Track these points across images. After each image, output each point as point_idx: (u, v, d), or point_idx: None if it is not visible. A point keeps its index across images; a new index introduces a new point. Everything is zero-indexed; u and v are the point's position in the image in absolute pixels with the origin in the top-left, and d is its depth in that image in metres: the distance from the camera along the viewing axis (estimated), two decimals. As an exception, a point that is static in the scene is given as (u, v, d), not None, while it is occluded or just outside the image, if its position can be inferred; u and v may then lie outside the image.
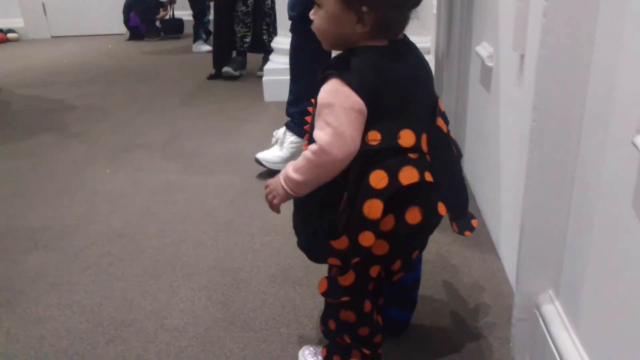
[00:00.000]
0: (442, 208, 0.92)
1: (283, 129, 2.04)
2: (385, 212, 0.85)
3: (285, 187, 0.89)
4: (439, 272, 1.39)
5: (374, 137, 0.85)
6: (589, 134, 0.83)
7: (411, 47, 0.94)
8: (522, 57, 1.25)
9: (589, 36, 0.80)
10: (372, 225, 0.86)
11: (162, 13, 5.21)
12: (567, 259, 0.91)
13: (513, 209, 1.30)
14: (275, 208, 0.95)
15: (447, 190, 0.95)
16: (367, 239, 0.86)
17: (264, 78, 2.96)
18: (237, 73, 3.51)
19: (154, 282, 1.40)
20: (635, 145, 0.60)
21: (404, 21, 0.89)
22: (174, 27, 5.26)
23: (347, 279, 0.94)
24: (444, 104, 2.21)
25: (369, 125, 0.86)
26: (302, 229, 0.96)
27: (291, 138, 2.00)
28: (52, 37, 5.60)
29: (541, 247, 0.95)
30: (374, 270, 0.94)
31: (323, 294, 0.98)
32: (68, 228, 1.70)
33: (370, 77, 0.85)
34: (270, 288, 1.36)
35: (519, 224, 0.97)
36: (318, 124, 0.86)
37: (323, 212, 0.91)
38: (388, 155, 0.86)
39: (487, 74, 1.60)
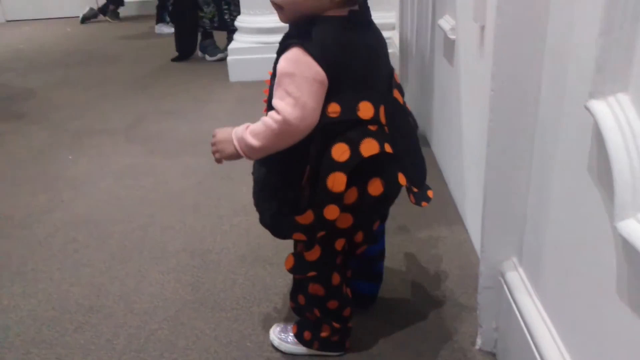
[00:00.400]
0: (402, 179, 0.93)
1: None
2: (348, 185, 0.86)
3: (238, 147, 0.88)
4: (407, 245, 1.40)
5: (334, 109, 0.85)
6: (546, 102, 0.84)
7: (367, 17, 0.93)
8: (482, 28, 1.26)
9: (544, 5, 0.81)
10: (337, 199, 0.86)
11: None
12: (529, 227, 0.93)
13: (478, 181, 1.32)
14: (219, 162, 0.93)
15: (406, 161, 0.95)
16: (331, 212, 0.87)
17: (229, 58, 2.91)
18: (224, 54, 3.40)
19: (121, 267, 1.38)
20: (588, 109, 0.61)
21: None
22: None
23: (313, 254, 0.95)
24: (411, 79, 2.23)
25: (328, 97, 0.85)
26: (265, 206, 0.95)
27: None
28: (7, 21, 5.40)
29: (504, 215, 0.96)
30: (339, 244, 0.95)
31: (290, 270, 0.99)
32: (31, 216, 1.66)
33: (332, 48, 0.85)
34: (240, 268, 1.35)
35: (480, 188, 0.99)
36: (278, 93, 0.84)
37: (285, 188, 0.90)
38: (348, 128, 0.86)
39: (450, 47, 1.60)
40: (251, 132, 0.86)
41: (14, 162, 2.07)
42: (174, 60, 3.46)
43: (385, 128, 0.90)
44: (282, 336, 1.08)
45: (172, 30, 4.07)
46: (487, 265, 1.00)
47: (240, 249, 1.44)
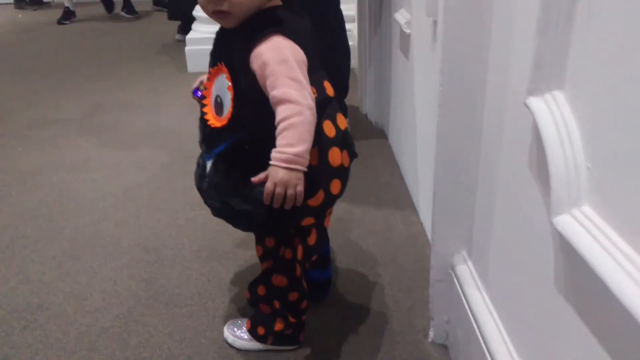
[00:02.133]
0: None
1: None
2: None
3: (297, 166, 0.81)
4: (363, 238, 1.42)
5: (312, 90, 0.85)
6: (491, 98, 0.86)
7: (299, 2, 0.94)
8: (435, 23, 1.27)
9: (489, 2, 0.82)
10: (337, 172, 0.90)
11: None
12: (477, 221, 0.95)
13: (431, 175, 1.34)
14: (301, 195, 0.83)
15: None
16: (336, 186, 0.90)
17: (187, 48, 2.87)
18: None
19: (72, 264, 1.35)
20: (527, 106, 0.63)
21: None
22: None
23: (312, 238, 0.98)
24: (369, 73, 2.23)
25: None
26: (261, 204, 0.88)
27: None
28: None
29: (453, 209, 0.98)
30: (328, 220, 1.00)
31: (300, 261, 1.00)
32: (-23, 212, 1.60)
33: (299, 32, 0.86)
34: (195, 263, 1.34)
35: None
36: (280, 81, 0.81)
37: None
38: (324, 105, 0.88)
39: (405, 41, 1.61)
40: (292, 144, 0.81)
41: (-41, 155, 1.99)
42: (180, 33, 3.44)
43: None
44: (236, 332, 1.08)
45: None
46: (438, 259, 1.02)
47: (195, 243, 1.42)
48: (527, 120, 0.67)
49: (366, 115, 2.22)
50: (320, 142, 0.87)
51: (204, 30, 2.88)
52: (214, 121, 0.89)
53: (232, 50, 0.86)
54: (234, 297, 1.22)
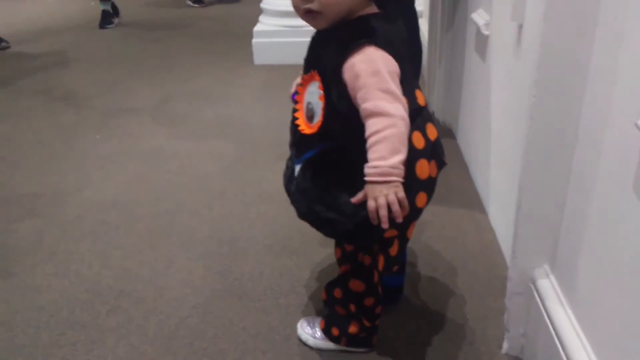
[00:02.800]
0: (444, 158, 0.96)
1: None
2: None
3: (393, 178, 0.80)
4: (434, 243, 1.41)
5: (405, 100, 0.85)
6: (590, 113, 0.84)
7: (392, 9, 0.93)
8: (520, 27, 1.25)
9: (593, 12, 0.80)
10: (424, 184, 0.89)
11: None
12: (564, 235, 0.93)
13: (506, 180, 1.32)
14: (404, 201, 0.81)
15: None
16: (422, 199, 0.89)
17: (254, 40, 2.90)
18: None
19: (151, 252, 1.41)
20: (638, 127, 0.61)
21: None
22: None
23: (394, 249, 0.96)
24: (438, 70, 2.21)
25: None
26: (347, 215, 0.89)
27: None
28: (31, -8, 5.40)
29: (538, 223, 0.96)
30: (411, 231, 0.98)
31: (382, 271, 0.99)
32: (61, 195, 1.69)
33: (393, 41, 0.85)
34: (267, 258, 1.37)
35: (512, 194, 0.99)
36: (372, 94, 0.81)
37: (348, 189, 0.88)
38: (414, 116, 0.87)
39: (482, 42, 1.58)
40: (384, 157, 0.80)
41: (41, 140, 2.10)
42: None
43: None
44: (309, 331, 1.10)
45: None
46: (518, 271, 1.01)
47: (267, 238, 1.45)
48: (635, 141, 0.65)
49: (433, 113, 2.19)
50: (407, 155, 0.85)
51: (270, 23, 2.91)
52: (305, 127, 0.90)
53: (325, 60, 0.86)
54: (306, 295, 1.24)
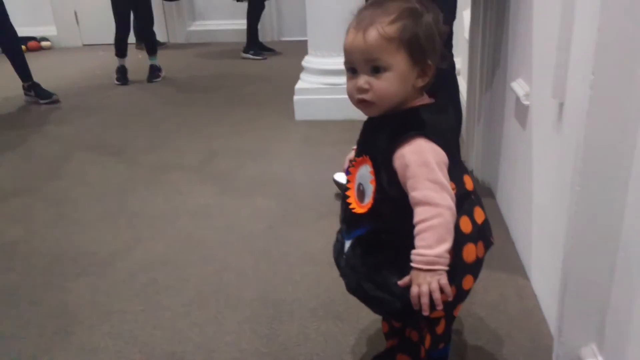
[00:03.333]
0: (491, 238, 1.00)
1: None
2: None
3: (438, 267, 0.85)
4: (477, 309, 1.42)
5: (452, 186, 0.90)
6: (636, 197, 0.86)
7: (442, 97, 0.99)
8: (561, 104, 1.28)
9: (634, 115, 0.84)
10: (471, 268, 0.93)
11: None
12: (612, 315, 0.95)
13: (549, 245, 1.33)
14: (446, 288, 0.86)
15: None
16: (468, 282, 0.93)
17: (295, 97, 3.01)
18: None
19: (200, 313, 1.46)
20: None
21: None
22: None
23: (441, 327, 1.00)
24: (477, 129, 2.25)
25: None
26: (396, 296, 0.93)
27: None
28: (84, 45, 5.73)
29: (584, 301, 0.98)
30: (457, 310, 1.01)
31: (429, 350, 1.03)
32: (113, 254, 1.77)
33: (442, 131, 0.91)
34: (312, 322, 1.41)
35: (555, 261, 1.01)
36: (420, 184, 0.86)
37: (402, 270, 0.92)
38: (462, 201, 0.92)
39: (522, 111, 1.62)
40: (430, 246, 0.85)
41: (95, 196, 2.21)
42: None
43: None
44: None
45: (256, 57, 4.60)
46: (564, 350, 1.02)
47: (311, 301, 1.49)
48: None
49: (472, 172, 2.22)
50: (455, 240, 0.89)
51: (311, 81, 3.02)
52: (356, 206, 0.96)
53: (377, 147, 0.93)
54: (351, 362, 1.27)
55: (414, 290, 0.85)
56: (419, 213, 0.86)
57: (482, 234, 0.95)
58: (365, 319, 1.39)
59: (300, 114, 2.98)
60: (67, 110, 3.46)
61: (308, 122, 2.93)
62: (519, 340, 1.31)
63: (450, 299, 0.86)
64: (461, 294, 0.92)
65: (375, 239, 0.95)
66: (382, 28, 0.88)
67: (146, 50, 4.22)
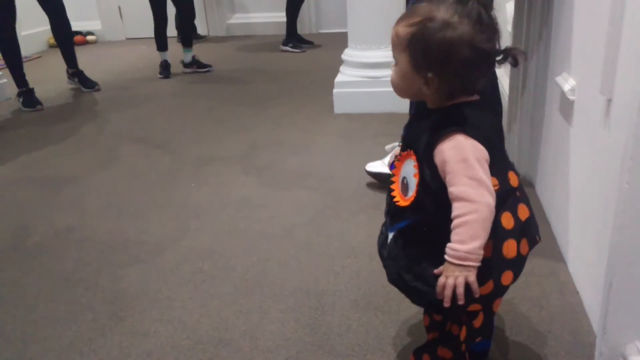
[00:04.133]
0: (536, 236, 1.01)
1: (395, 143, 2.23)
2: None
3: (469, 263, 0.88)
4: (518, 304, 1.43)
5: (494, 182, 0.92)
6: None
7: (489, 100, 1.01)
8: (609, 101, 1.27)
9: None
10: (511, 264, 0.94)
11: None
12: (656, 314, 0.95)
13: (591, 240, 1.33)
14: (475, 287, 0.89)
15: (532, 218, 1.01)
16: (507, 277, 0.95)
17: (335, 90, 3.03)
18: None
19: (245, 302, 1.51)
20: None
21: (476, 82, 0.94)
22: None
23: (479, 321, 1.02)
24: (518, 124, 2.22)
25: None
26: (433, 287, 0.94)
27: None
28: (127, 38, 5.87)
29: (630, 298, 0.98)
30: (497, 305, 1.02)
31: (465, 341, 1.05)
32: (161, 243, 1.84)
33: (484, 127, 0.93)
34: (353, 313, 1.44)
35: (598, 257, 1.01)
36: (458, 180, 0.89)
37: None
38: (505, 197, 0.94)
39: (567, 106, 1.61)
40: (463, 241, 0.87)
41: (142, 187, 2.29)
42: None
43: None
44: (398, 390, 1.16)
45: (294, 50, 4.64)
46: (608, 347, 1.02)
47: (352, 292, 1.52)
48: None
49: (513, 164, 2.20)
50: (495, 235, 0.91)
51: (350, 74, 3.03)
52: (400, 199, 0.99)
53: (420, 141, 0.95)
54: (393, 354, 1.29)
55: (441, 281, 0.89)
56: (456, 208, 0.88)
57: (526, 231, 0.96)
58: (406, 311, 1.41)
59: (339, 107, 3.00)
60: (113, 102, 3.57)
61: (347, 115, 2.95)
62: (561, 336, 1.31)
63: (477, 295, 0.88)
64: (499, 289, 0.94)
65: (417, 232, 0.98)
66: (400, 27, 0.94)
67: (181, 42, 4.27)
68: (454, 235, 0.88)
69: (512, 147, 2.20)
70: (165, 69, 4.15)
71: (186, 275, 1.65)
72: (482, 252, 0.88)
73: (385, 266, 1.06)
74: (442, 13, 0.90)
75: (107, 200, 2.18)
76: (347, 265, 1.65)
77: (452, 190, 0.89)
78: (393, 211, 1.02)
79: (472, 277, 0.88)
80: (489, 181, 0.89)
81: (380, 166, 2.10)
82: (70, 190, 2.31)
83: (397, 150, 1.06)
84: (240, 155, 2.55)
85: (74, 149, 2.79)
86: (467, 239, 0.87)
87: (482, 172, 0.88)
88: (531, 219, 0.97)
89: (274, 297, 1.52)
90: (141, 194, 2.22)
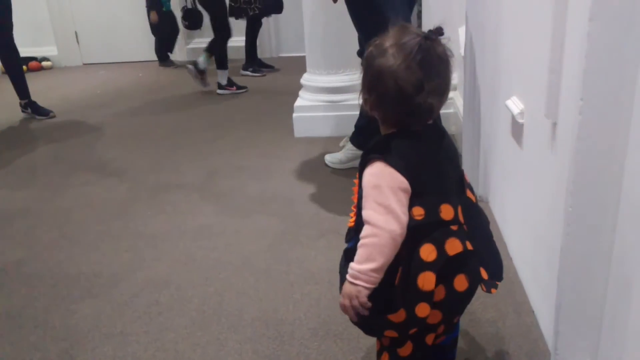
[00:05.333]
0: (483, 273, 1.01)
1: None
2: (436, 283, 0.93)
3: (359, 282, 0.93)
4: (475, 326, 1.44)
5: (419, 212, 0.93)
6: (625, 218, 0.88)
7: (441, 129, 1.03)
8: (554, 124, 1.31)
9: (623, 139, 0.86)
10: (427, 296, 0.93)
11: (153, 17, 5.22)
12: (606, 331, 0.96)
13: (545, 261, 1.35)
14: (364, 308, 0.95)
15: (484, 255, 1.02)
16: (422, 309, 0.94)
17: (294, 115, 3.03)
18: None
19: (202, 334, 1.48)
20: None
21: (422, 113, 0.95)
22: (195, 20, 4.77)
23: (406, 350, 1.01)
24: (472, 146, 2.26)
25: (413, 202, 0.94)
26: None
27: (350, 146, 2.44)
28: (84, 64, 5.78)
29: (579, 318, 1.00)
30: (429, 338, 1.01)
31: None
32: (116, 275, 1.79)
33: (410, 158, 0.94)
34: (312, 342, 1.42)
35: (551, 277, 1.03)
36: (368, 204, 0.93)
37: (379, 287, 0.96)
38: (433, 229, 0.94)
39: (518, 129, 1.65)
40: (358, 262, 0.93)
41: (97, 216, 2.23)
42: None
43: (464, 227, 0.98)
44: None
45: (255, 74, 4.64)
46: (561, 368, 1.04)
47: (311, 320, 1.51)
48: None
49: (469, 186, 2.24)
50: (409, 264, 0.92)
51: (310, 98, 3.05)
52: (350, 219, 1.01)
53: (360, 166, 0.99)
54: (352, 382, 1.28)
55: (341, 298, 0.96)
56: (362, 230, 0.93)
57: (464, 268, 0.95)
58: (366, 339, 1.40)
59: (299, 131, 3.01)
60: (68, 130, 3.50)
61: (308, 138, 2.96)
62: (518, 357, 1.32)
63: (364, 313, 0.94)
64: (414, 320, 0.93)
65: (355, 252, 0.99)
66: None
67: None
68: (355, 256, 0.93)
69: (469, 170, 2.24)
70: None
71: (141, 308, 1.61)
72: (376, 275, 0.92)
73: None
74: (389, 41, 0.93)
75: (60, 232, 2.12)
76: (306, 292, 1.63)
77: (363, 213, 0.93)
78: (348, 230, 1.07)
79: (362, 298, 0.93)
80: (400, 210, 0.91)
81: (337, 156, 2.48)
82: (21, 221, 2.23)
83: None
84: (198, 182, 2.51)
85: (25, 179, 2.70)
86: (362, 260, 0.92)
87: (394, 201, 0.91)
88: (466, 254, 0.95)
89: (231, 328, 1.49)
90: (96, 224, 2.17)
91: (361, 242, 0.92)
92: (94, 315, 1.59)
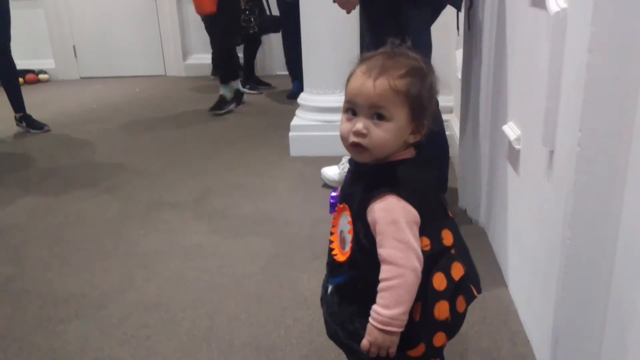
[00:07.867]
0: (474, 290, 0.98)
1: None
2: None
3: (392, 329, 0.87)
4: (470, 355, 1.41)
5: (425, 242, 0.91)
6: (624, 251, 0.87)
7: (427, 154, 1.00)
8: (551, 152, 1.30)
9: (621, 171, 0.85)
10: (443, 326, 0.91)
11: None
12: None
13: (541, 290, 1.33)
14: (392, 351, 0.90)
15: (471, 273, 1.00)
16: (440, 339, 0.92)
17: (290, 134, 3.02)
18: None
19: (191, 359, 1.44)
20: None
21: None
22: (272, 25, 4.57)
23: None
24: (468, 171, 2.25)
25: (419, 232, 0.91)
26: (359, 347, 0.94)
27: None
28: (81, 77, 5.78)
29: (575, 353, 0.98)
30: None
31: None
32: (105, 295, 1.76)
33: (417, 188, 0.92)
34: (304, 369, 1.39)
35: (548, 306, 1.00)
36: (387, 242, 0.88)
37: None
38: (437, 257, 0.92)
39: (514, 155, 1.64)
40: (387, 306, 0.87)
41: (88, 234, 2.20)
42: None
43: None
44: None
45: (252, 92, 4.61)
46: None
47: (303, 347, 1.48)
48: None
49: (465, 211, 2.23)
50: (425, 297, 0.90)
51: (306, 118, 3.04)
52: (338, 253, 0.98)
53: (355, 197, 0.94)
54: (343, 412, 1.25)
55: (364, 343, 0.89)
56: (383, 271, 0.88)
57: (462, 289, 0.93)
58: (358, 367, 1.37)
59: (295, 150, 2.99)
60: (62, 144, 3.48)
61: (303, 158, 2.94)
62: (513, 389, 1.30)
63: (392, 355, 0.89)
64: (432, 351, 0.91)
65: (352, 288, 0.96)
66: (392, 80, 0.89)
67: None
68: (379, 299, 0.88)
69: (465, 196, 2.23)
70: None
71: (130, 330, 1.57)
72: (406, 317, 0.87)
73: (324, 320, 1.04)
74: (415, 60, 0.92)
75: (50, 250, 2.08)
76: (299, 317, 1.60)
77: (381, 252, 0.88)
78: (331, 264, 1.01)
79: (393, 347, 0.88)
80: (417, 245, 0.88)
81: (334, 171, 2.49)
82: (11, 238, 2.20)
83: (339, 191, 1.05)
84: (192, 201, 2.49)
85: (17, 194, 2.67)
86: (391, 304, 0.86)
87: (411, 236, 0.88)
88: (467, 275, 0.94)
89: (221, 354, 1.46)
90: (86, 242, 2.13)
91: (385, 284, 0.87)
92: (81, 337, 1.55)
